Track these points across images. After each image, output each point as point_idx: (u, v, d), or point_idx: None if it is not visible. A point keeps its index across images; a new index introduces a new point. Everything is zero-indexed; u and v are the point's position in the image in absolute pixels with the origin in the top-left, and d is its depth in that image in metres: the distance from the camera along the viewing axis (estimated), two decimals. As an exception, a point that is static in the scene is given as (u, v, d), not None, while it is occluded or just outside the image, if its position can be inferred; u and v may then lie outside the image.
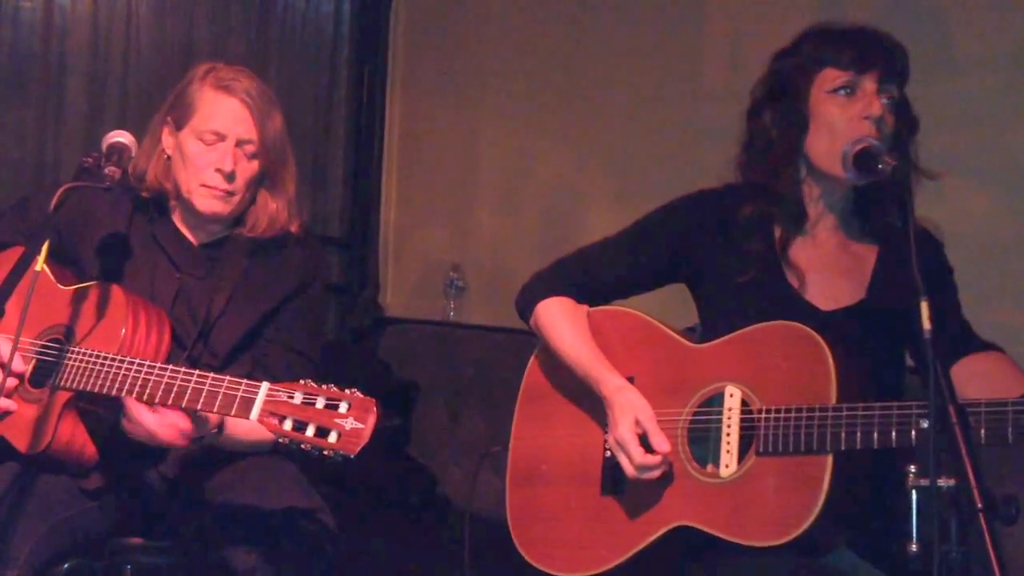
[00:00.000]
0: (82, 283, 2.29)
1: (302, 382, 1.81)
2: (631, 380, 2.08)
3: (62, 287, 2.29)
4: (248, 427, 2.08)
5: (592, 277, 2.21)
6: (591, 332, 2.15)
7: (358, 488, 4.29)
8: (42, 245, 1.95)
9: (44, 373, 2.20)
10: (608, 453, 2.07)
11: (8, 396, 2.16)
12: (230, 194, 2.32)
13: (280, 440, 1.78)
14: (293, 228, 2.45)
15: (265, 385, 1.83)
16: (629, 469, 1.96)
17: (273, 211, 2.40)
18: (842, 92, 1.95)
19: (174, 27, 4.52)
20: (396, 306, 5.04)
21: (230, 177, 2.30)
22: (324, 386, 1.79)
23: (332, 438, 1.73)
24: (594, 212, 4.27)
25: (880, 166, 1.79)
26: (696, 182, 3.83)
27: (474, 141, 4.71)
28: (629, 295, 2.25)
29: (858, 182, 1.93)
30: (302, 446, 1.76)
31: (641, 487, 1.99)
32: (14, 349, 1.99)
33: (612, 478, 2.07)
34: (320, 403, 1.76)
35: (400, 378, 4.78)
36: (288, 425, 1.77)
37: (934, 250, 2.07)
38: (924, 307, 1.50)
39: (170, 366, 2.01)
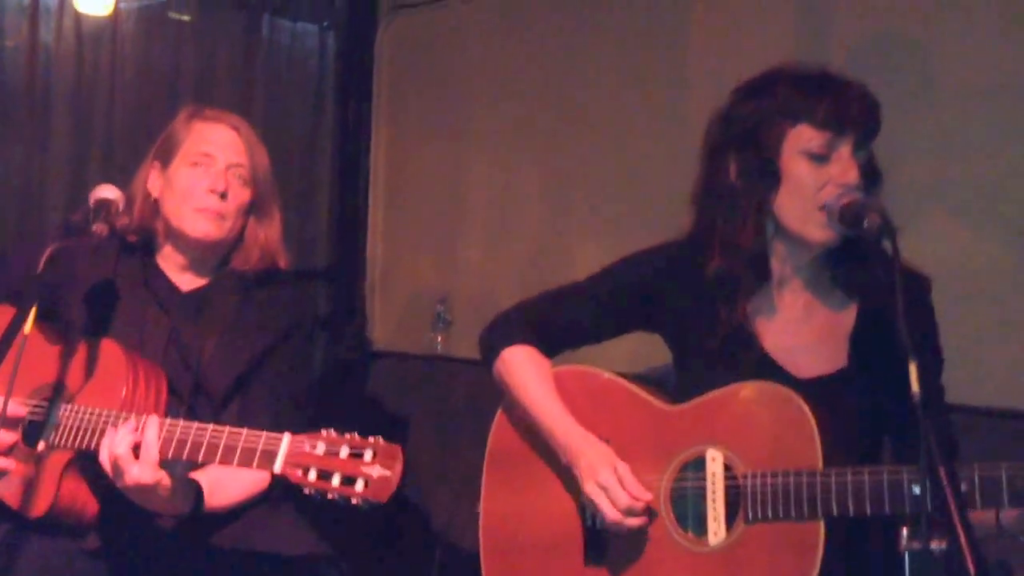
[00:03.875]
0: (71, 338, 2.29)
1: (324, 432, 1.80)
2: (605, 443, 2.02)
3: (51, 344, 2.28)
4: (235, 493, 2.08)
5: (557, 324, 2.16)
6: (561, 391, 2.09)
7: (350, 525, 4.26)
8: (30, 309, 1.94)
9: (37, 433, 2.18)
10: (588, 520, 2.03)
11: (3, 455, 2.14)
12: (222, 217, 2.32)
13: (305, 491, 1.77)
14: (281, 263, 2.45)
15: (287, 436, 1.82)
16: (612, 514, 1.90)
17: (263, 241, 2.41)
18: (817, 158, 1.87)
19: (159, 64, 4.51)
20: (383, 339, 5.02)
21: (223, 196, 2.30)
22: (347, 435, 1.79)
23: (359, 486, 1.73)
24: (580, 245, 4.27)
25: (866, 224, 1.75)
26: (683, 214, 3.88)
27: (460, 174, 4.71)
28: (594, 342, 2.22)
29: (839, 237, 1.87)
30: (328, 495, 1.75)
31: (626, 555, 1.93)
32: (4, 408, 1.98)
33: (595, 546, 2.01)
34: (344, 452, 1.76)
35: (389, 413, 4.76)
36: (313, 476, 1.76)
37: (919, 292, 2.00)
38: (913, 370, 1.48)
39: (180, 422, 1.99)
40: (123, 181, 4.26)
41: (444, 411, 4.62)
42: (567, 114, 4.30)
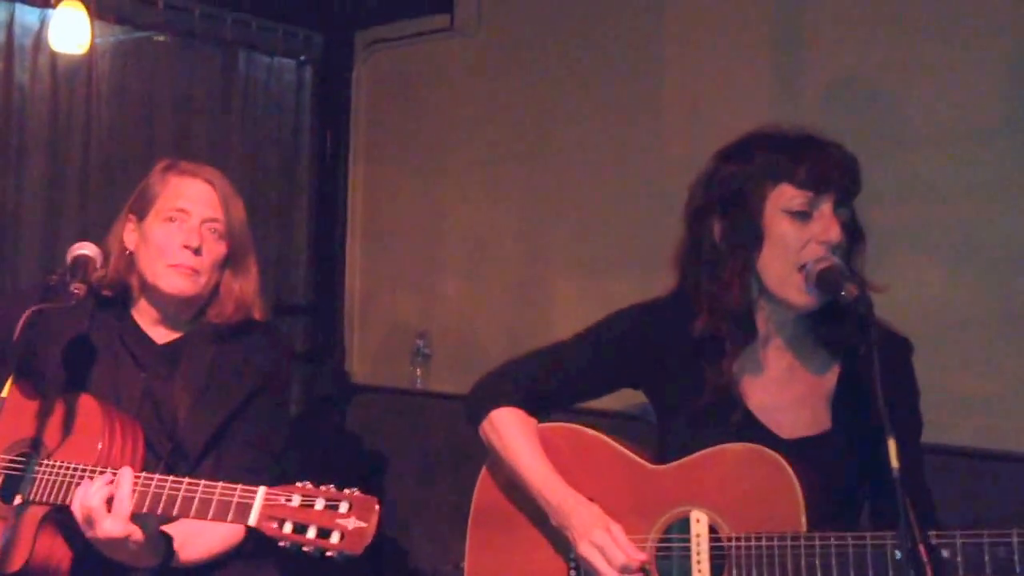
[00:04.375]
0: (48, 393, 2.27)
1: (299, 484, 1.80)
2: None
3: (29, 400, 2.26)
4: (206, 547, 2.07)
5: (543, 385, 2.17)
6: (547, 450, 2.10)
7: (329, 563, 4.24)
8: (7, 377, 1.93)
9: (14, 488, 2.17)
10: None
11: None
12: (197, 272, 2.31)
13: (280, 544, 1.77)
14: (257, 314, 2.44)
15: (262, 490, 1.82)
16: (608, 573, 1.91)
17: (239, 294, 2.40)
18: (799, 216, 1.90)
19: (135, 101, 4.49)
20: (362, 373, 5.02)
21: (197, 251, 2.29)
22: (322, 487, 1.79)
23: (335, 539, 1.73)
24: (559, 278, 4.29)
25: (843, 293, 1.76)
26: (660, 250, 3.89)
27: (438, 209, 4.72)
28: (580, 402, 2.22)
29: (818, 302, 1.88)
30: (304, 548, 1.75)
31: None
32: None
33: None
34: (319, 504, 1.76)
35: (368, 449, 4.75)
36: (288, 528, 1.76)
37: (900, 355, 2.02)
38: (892, 445, 1.50)
39: (156, 476, 1.99)
40: (99, 219, 4.28)
41: (423, 445, 4.62)
42: (544, 149, 4.33)
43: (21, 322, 2.01)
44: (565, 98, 4.26)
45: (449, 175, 4.67)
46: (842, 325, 1.92)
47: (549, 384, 2.16)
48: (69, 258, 2.22)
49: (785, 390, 2.00)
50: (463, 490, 4.31)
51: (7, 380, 1.95)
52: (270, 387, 2.40)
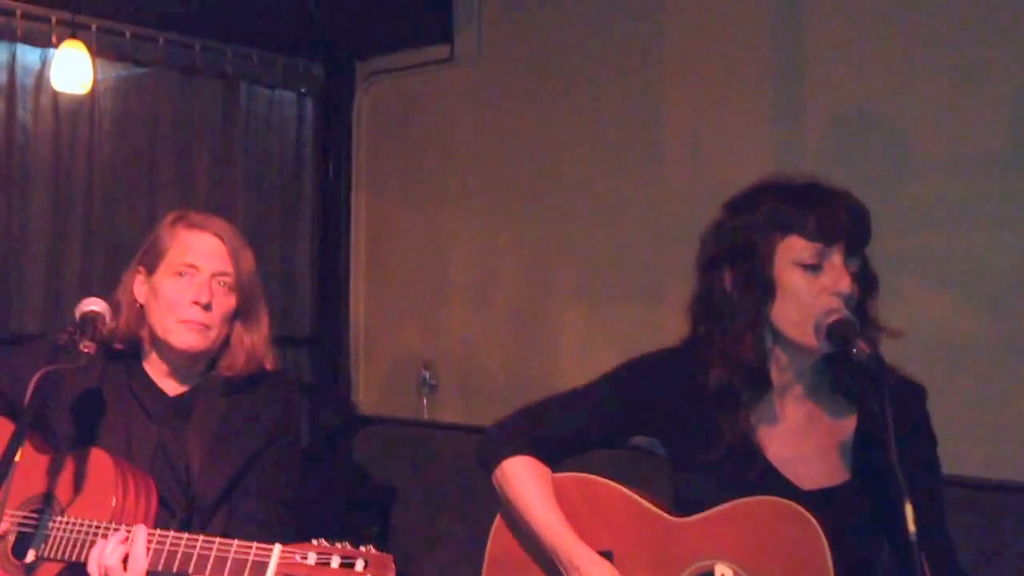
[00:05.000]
0: (60, 449, 2.27)
1: (315, 541, 1.79)
2: (608, 555, 2.01)
3: (41, 455, 2.26)
4: None
5: (557, 433, 2.14)
6: (562, 500, 2.08)
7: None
8: (20, 439, 1.93)
9: (27, 544, 2.16)
10: None
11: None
12: (207, 327, 2.31)
13: None
14: (268, 365, 2.44)
15: (278, 548, 1.81)
16: None
17: (250, 346, 2.39)
18: (809, 268, 1.89)
19: (137, 136, 4.51)
20: (368, 404, 5.02)
21: (207, 307, 2.29)
22: (337, 544, 1.78)
23: None
24: (563, 308, 4.30)
25: (855, 350, 1.76)
26: (662, 280, 3.92)
27: (441, 239, 4.73)
28: (593, 449, 2.21)
29: (832, 348, 1.87)
30: None
31: None
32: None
33: None
34: (335, 562, 1.75)
35: (376, 482, 4.74)
36: None
37: (914, 402, 2.00)
38: (909, 510, 1.48)
39: (171, 532, 1.99)
40: (102, 254, 4.29)
41: (431, 475, 4.62)
42: (545, 180, 4.34)
43: (31, 387, 2.00)
44: (566, 129, 4.27)
45: (451, 205, 4.68)
46: (856, 375, 1.92)
47: (562, 433, 2.15)
48: (77, 314, 2.20)
49: (804, 440, 1.99)
50: (471, 520, 4.34)
51: (20, 443, 1.95)
52: (282, 437, 2.40)
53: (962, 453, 2.99)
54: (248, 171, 4.84)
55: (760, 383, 1.96)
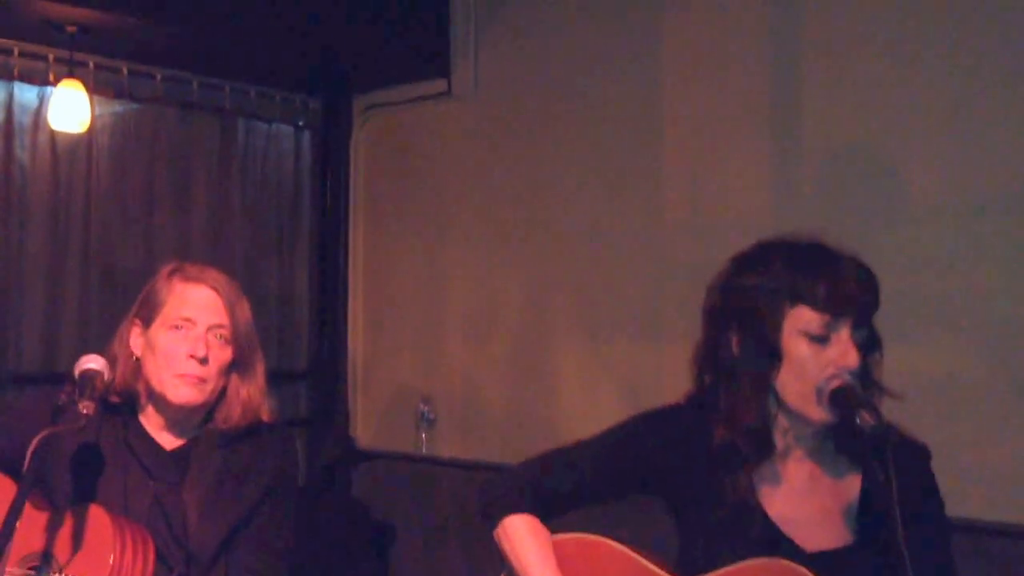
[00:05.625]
0: (58, 505, 2.27)
1: None
2: None
3: (40, 511, 2.26)
4: None
5: (558, 490, 2.14)
6: (563, 563, 2.08)
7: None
8: (22, 504, 1.92)
9: (25, 603, 2.16)
10: None
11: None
12: (203, 381, 2.32)
13: None
14: (264, 416, 2.44)
15: None
16: None
17: (246, 397, 2.40)
18: (817, 339, 1.88)
19: (135, 174, 4.52)
20: (366, 438, 5.01)
21: (203, 361, 2.30)
22: None
23: None
24: (562, 343, 4.29)
25: (859, 421, 1.75)
26: (660, 315, 3.91)
27: (439, 272, 4.73)
28: (594, 505, 2.20)
29: (836, 418, 1.87)
30: None
31: None
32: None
33: None
34: None
35: (374, 517, 4.72)
36: None
37: (919, 463, 2.00)
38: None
39: None
40: (99, 293, 4.29)
41: (430, 510, 4.61)
42: (543, 214, 4.34)
43: (30, 451, 2.00)
44: (564, 163, 4.27)
45: (449, 239, 4.68)
46: (859, 439, 1.91)
47: (562, 488, 2.15)
48: (76, 372, 2.21)
49: (807, 501, 1.99)
50: (471, 556, 4.32)
51: (20, 513, 1.94)
52: (278, 489, 2.40)
53: (962, 495, 2.99)
54: (246, 205, 4.85)
55: (763, 445, 1.96)
